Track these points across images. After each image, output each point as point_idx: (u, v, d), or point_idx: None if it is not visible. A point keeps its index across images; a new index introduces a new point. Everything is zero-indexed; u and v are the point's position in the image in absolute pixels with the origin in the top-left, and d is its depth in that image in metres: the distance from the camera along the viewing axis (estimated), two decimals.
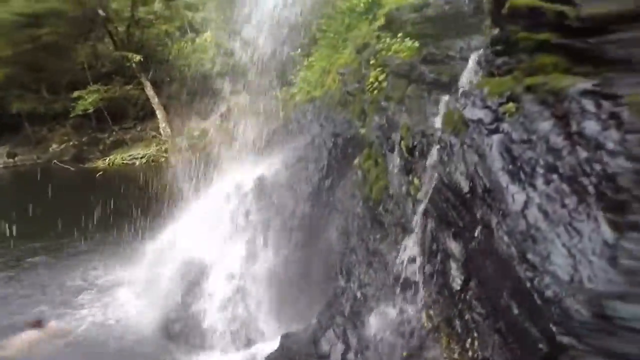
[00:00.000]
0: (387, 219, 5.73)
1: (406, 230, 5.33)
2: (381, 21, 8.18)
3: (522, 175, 3.32)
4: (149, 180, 12.22)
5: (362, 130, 7.31)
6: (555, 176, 3.12)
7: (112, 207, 11.61)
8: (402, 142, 5.37)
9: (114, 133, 22.30)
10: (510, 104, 3.73)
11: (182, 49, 21.75)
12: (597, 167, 2.82)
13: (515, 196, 3.21)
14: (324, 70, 10.25)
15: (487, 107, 3.85)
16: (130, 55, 20.07)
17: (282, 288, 7.29)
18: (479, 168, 3.64)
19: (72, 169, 20.18)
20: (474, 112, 3.90)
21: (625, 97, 2.92)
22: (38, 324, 7.45)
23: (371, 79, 7.32)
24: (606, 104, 3.01)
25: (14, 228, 10.98)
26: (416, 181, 5.24)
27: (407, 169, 5.37)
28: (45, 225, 12.09)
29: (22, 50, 19.88)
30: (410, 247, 5.08)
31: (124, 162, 20.35)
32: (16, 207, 13.26)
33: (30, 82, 22.51)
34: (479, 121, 3.82)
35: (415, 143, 5.14)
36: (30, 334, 7.23)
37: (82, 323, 7.92)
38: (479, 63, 4.88)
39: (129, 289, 9.06)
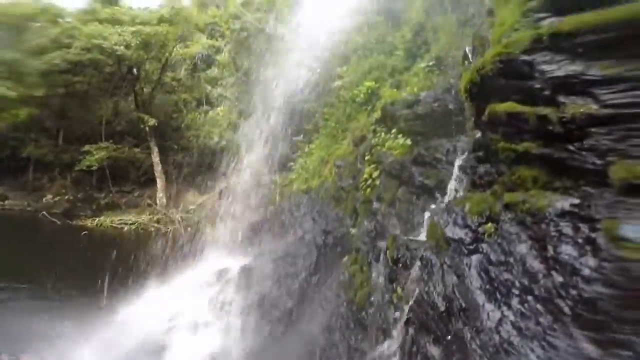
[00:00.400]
0: (369, 322, 5.64)
1: (387, 333, 5.21)
2: (378, 114, 8.77)
3: (498, 295, 3.39)
4: (133, 248, 12.02)
5: (353, 230, 7.45)
6: (530, 297, 3.17)
7: (90, 267, 11.21)
8: (388, 252, 5.49)
9: (110, 194, 22.28)
10: (490, 225, 3.92)
11: (195, 120, 23.06)
12: (573, 292, 2.89)
13: (490, 314, 3.26)
14: (323, 159, 10.81)
15: (467, 226, 4.07)
16: (146, 117, 21.14)
17: None
18: (457, 290, 3.72)
19: (59, 222, 19.76)
20: (455, 231, 4.13)
21: (601, 221, 3.06)
22: None
23: (365, 175, 7.75)
24: (583, 228, 3.15)
25: None
26: (399, 290, 5.25)
27: (392, 278, 5.39)
28: (21, 273, 11.51)
29: (54, 94, 21.20)
30: (391, 348, 4.93)
31: (113, 225, 19.93)
32: None
33: (51, 127, 23.19)
34: (460, 241, 4.02)
35: (400, 255, 5.23)
36: None
37: None
38: (462, 169, 5.23)
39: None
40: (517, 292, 3.31)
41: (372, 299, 5.81)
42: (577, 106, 3.60)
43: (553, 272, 3.18)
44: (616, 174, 3.14)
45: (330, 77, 12.45)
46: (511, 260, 3.55)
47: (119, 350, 7.74)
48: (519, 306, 3.20)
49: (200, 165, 20.35)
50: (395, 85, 9.93)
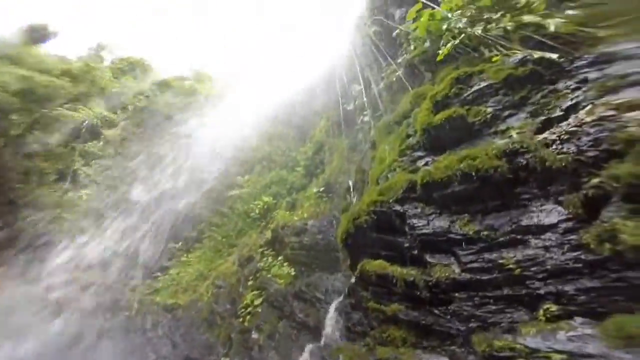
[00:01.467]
0: None
1: None
2: (269, 235, 8.53)
3: None
4: None
5: None
6: None
7: None
8: None
9: None
10: None
11: (44, 197, 19.08)
12: None
13: None
14: (201, 274, 9.66)
15: None
16: None
17: None
18: None
19: None
20: None
21: None
22: None
23: (247, 301, 7.10)
24: None
25: None
26: None
27: None
28: None
29: None
30: None
31: None
32: None
33: None
34: None
35: None
36: None
37: None
38: (338, 311, 5.12)
39: None
40: None
41: None
42: (442, 268, 3.85)
43: None
44: (479, 346, 3.28)
45: (229, 185, 12.12)
46: None
47: None
48: None
49: (29, 246, 16.05)
50: (291, 204, 10.02)
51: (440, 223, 4.16)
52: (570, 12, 4.46)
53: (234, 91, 15.29)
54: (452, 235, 4.02)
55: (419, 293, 3.89)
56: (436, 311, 3.78)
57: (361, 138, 8.63)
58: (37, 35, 23.47)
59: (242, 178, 12.36)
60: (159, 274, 10.50)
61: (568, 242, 3.16)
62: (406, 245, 4.32)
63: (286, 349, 5.60)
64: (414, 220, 4.35)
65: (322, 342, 4.89)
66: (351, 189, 7.67)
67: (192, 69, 19.64)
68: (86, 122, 21.52)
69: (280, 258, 7.60)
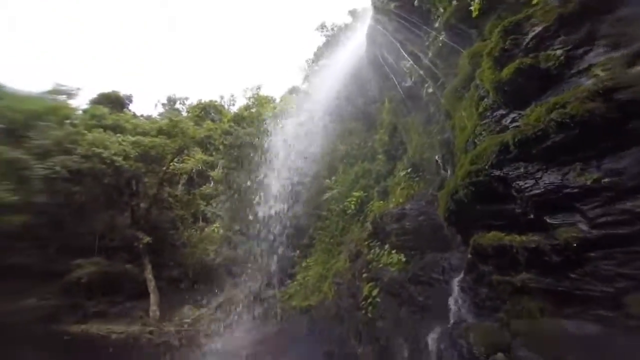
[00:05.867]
0: None
1: None
2: (369, 228, 8.61)
3: None
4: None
5: (360, 350, 6.81)
6: None
7: None
8: None
9: (99, 304, 20.98)
10: (500, 354, 3.53)
11: (191, 237, 22.97)
12: None
13: None
14: (321, 275, 10.35)
15: (475, 357, 3.65)
16: (141, 235, 20.87)
17: None
18: None
19: (40, 327, 18.28)
20: None
21: None
22: None
23: (365, 293, 7.32)
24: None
25: None
26: None
27: None
28: None
29: (54, 202, 19.70)
30: None
31: (99, 333, 18.51)
32: None
33: (45, 237, 22.69)
34: None
35: None
36: None
37: None
38: (462, 290, 4.89)
39: None
40: None
41: None
42: (567, 229, 3.44)
43: None
44: (637, 308, 2.91)
45: (320, 190, 12.75)
46: None
47: None
48: None
49: (197, 281, 19.53)
50: (382, 193, 10.05)
51: (550, 179, 3.73)
52: None
53: (293, 105, 16.06)
54: (568, 190, 3.58)
55: (547, 258, 3.52)
56: (572, 275, 3.36)
57: (433, 110, 8.27)
58: (117, 101, 27.39)
59: (329, 181, 12.86)
60: (288, 281, 11.72)
61: None
62: (518, 210, 3.98)
63: (413, 333, 5.66)
64: (520, 182, 3.98)
65: (450, 322, 4.80)
66: (440, 163, 7.37)
67: (252, 95, 21.22)
68: (193, 169, 25.24)
69: (386, 247, 7.60)
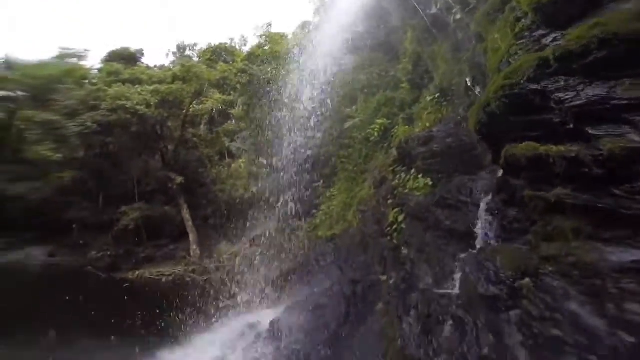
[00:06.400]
0: None
1: None
2: (394, 153, 8.54)
3: (545, 352, 2.98)
4: (170, 298, 12.29)
5: (383, 278, 7.02)
6: (594, 357, 2.76)
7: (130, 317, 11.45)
8: (419, 306, 5.09)
9: (147, 249, 23.25)
10: (527, 280, 3.41)
11: (220, 173, 23.87)
12: None
13: None
14: (346, 203, 10.56)
15: (502, 282, 3.59)
16: (173, 176, 22.15)
17: None
18: (494, 350, 3.32)
19: (103, 276, 20.86)
20: (488, 289, 3.65)
21: None
22: None
23: (391, 219, 7.38)
24: None
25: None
26: (435, 343, 4.80)
27: (426, 330, 4.97)
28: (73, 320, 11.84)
29: (90, 155, 22.45)
30: None
31: (152, 277, 20.82)
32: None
33: (92, 190, 24.78)
34: (495, 297, 3.55)
35: (431, 311, 4.81)
36: None
37: None
38: (490, 212, 4.76)
39: None
40: (572, 350, 2.90)
41: (406, 352, 5.29)
42: (613, 139, 3.04)
43: (620, 332, 2.74)
44: None
45: (341, 119, 12.47)
46: (558, 316, 3.09)
47: None
48: None
49: (230, 217, 20.71)
50: (407, 120, 9.72)
51: (594, 92, 3.38)
52: None
53: (307, 40, 15.08)
54: (615, 102, 3.22)
55: (587, 170, 3.14)
56: (616, 191, 2.97)
57: (461, 37, 7.69)
58: (129, 57, 27.86)
59: (350, 109, 12.52)
60: (314, 211, 12.12)
61: None
62: (556, 120, 3.66)
63: (438, 259, 5.73)
64: (560, 94, 3.64)
65: (476, 247, 4.79)
66: (471, 85, 6.85)
67: (263, 33, 20.16)
68: (213, 109, 25.35)
69: (412, 172, 7.45)
